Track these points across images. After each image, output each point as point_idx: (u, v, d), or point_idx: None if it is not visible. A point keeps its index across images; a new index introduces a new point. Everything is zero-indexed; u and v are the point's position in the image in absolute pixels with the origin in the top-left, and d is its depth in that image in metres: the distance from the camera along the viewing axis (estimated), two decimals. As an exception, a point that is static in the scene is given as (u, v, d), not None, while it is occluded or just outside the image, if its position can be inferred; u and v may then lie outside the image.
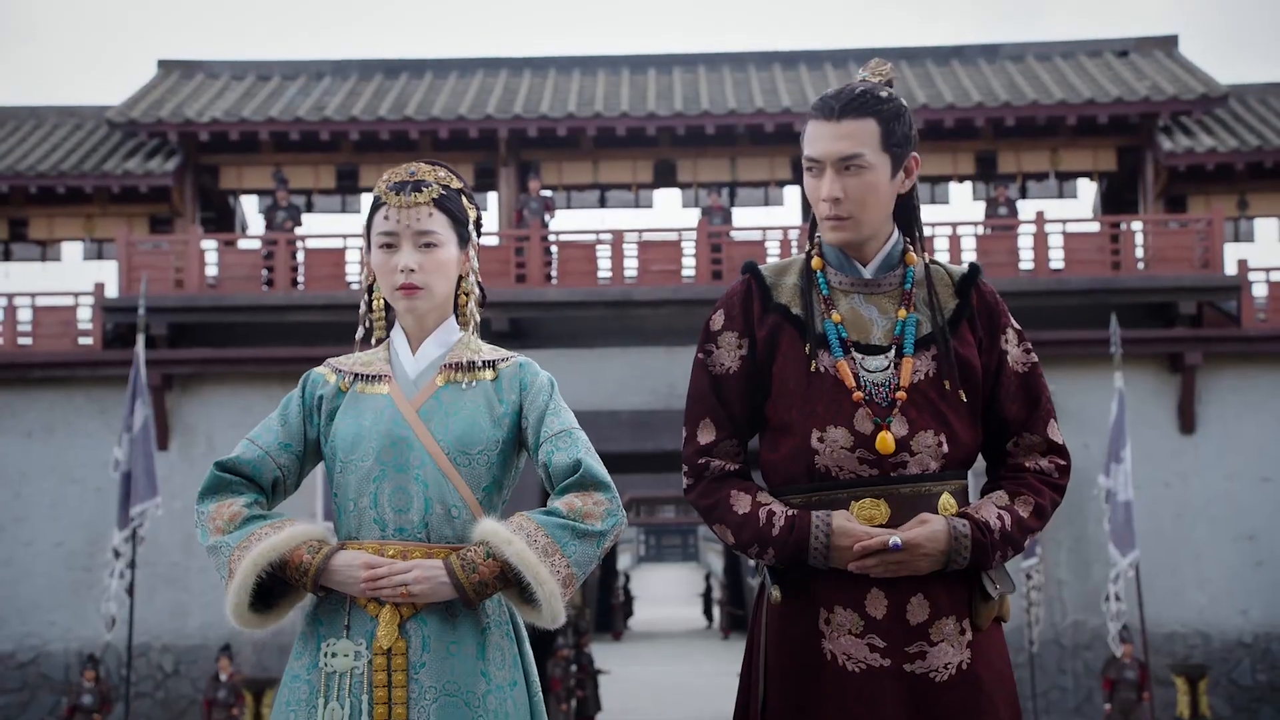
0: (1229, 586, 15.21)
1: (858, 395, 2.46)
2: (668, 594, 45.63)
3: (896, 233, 2.59)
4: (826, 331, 2.52)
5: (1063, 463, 2.57)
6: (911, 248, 2.62)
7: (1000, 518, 2.47)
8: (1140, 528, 12.05)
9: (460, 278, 2.60)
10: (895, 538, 2.39)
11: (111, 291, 15.58)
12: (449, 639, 2.43)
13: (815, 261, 2.59)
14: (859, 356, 2.51)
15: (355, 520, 2.47)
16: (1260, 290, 15.63)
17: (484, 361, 2.56)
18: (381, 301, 2.60)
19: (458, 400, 2.51)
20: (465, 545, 2.44)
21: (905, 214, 2.60)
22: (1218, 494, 15.34)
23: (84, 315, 15.81)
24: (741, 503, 2.48)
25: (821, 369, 2.50)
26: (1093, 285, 15.41)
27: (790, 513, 2.45)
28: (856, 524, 2.42)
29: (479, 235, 2.65)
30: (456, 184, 2.60)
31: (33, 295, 15.95)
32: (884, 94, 2.53)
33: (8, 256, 17.52)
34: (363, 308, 2.62)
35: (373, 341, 2.62)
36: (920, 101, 16.18)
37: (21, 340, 15.78)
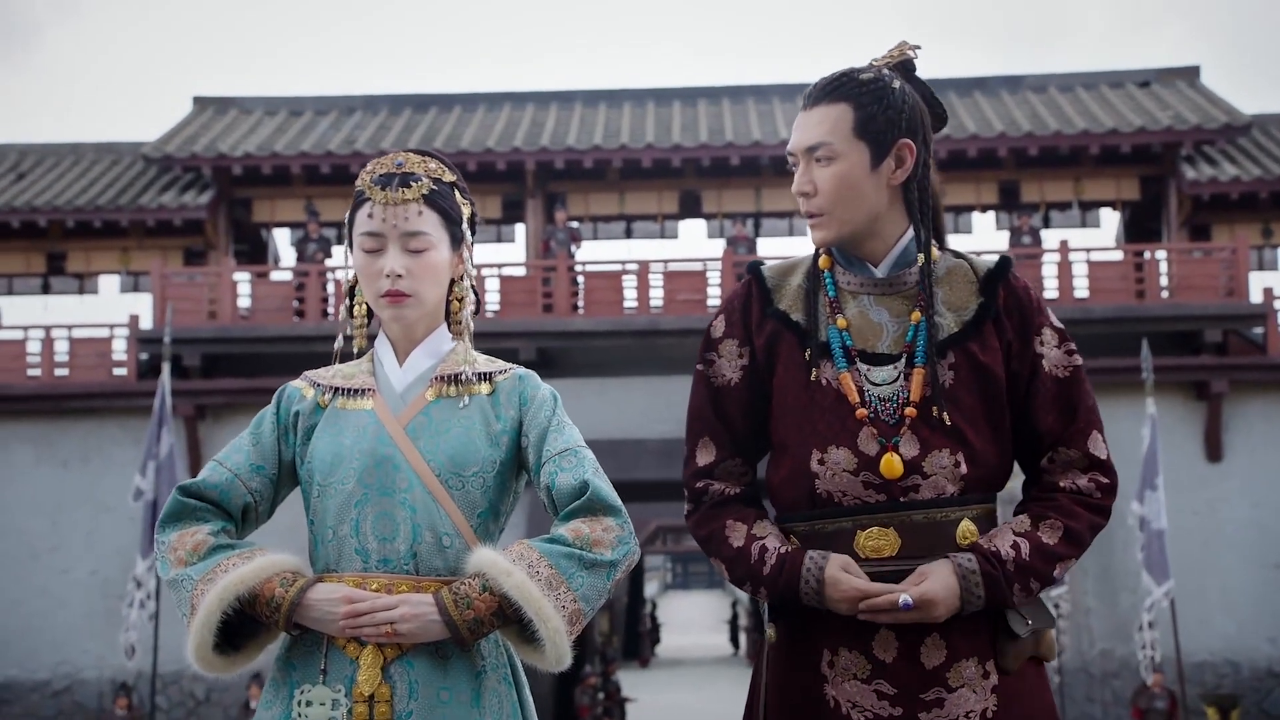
0: (1258, 615, 14.79)
1: (861, 413, 2.13)
2: (694, 621, 45.16)
3: (912, 228, 2.23)
4: (830, 339, 2.18)
5: (1105, 481, 2.19)
6: (933, 242, 2.25)
7: (1015, 546, 2.12)
8: (1169, 556, 11.65)
9: (453, 282, 2.26)
10: (906, 596, 2.04)
11: (146, 323, 15.47)
12: (439, 684, 2.07)
13: (823, 260, 2.26)
14: (864, 367, 2.17)
15: (334, 550, 2.13)
16: (1286, 318, 15.30)
17: (479, 374, 2.22)
18: (364, 308, 2.26)
19: (450, 416, 2.17)
20: (458, 578, 2.10)
21: (916, 207, 2.22)
22: (1245, 522, 14.95)
23: (119, 347, 15.71)
24: (736, 535, 2.17)
25: (824, 381, 2.17)
26: (1117, 313, 15.05)
27: (783, 550, 2.13)
28: (852, 576, 2.07)
29: (474, 234, 2.31)
30: (449, 176, 2.25)
31: (69, 327, 15.85)
32: (866, 75, 2.19)
33: (46, 290, 17.46)
34: (342, 313, 2.27)
35: (354, 352, 2.27)
36: (944, 132, 15.91)
37: (58, 371, 15.68)
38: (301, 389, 2.24)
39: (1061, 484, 2.18)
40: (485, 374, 2.22)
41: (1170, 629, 11.70)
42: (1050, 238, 16.47)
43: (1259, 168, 15.95)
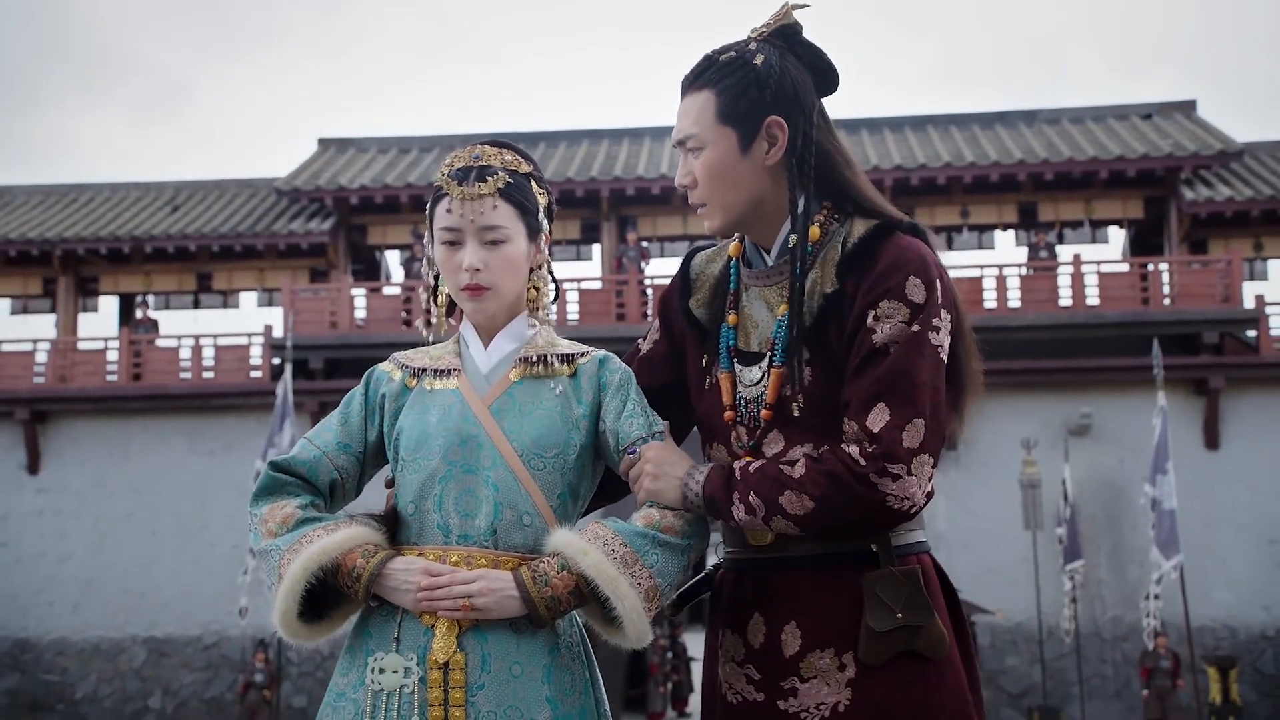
0: (1254, 586, 14.28)
1: (729, 415, 1.85)
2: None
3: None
4: (720, 338, 1.89)
5: (870, 449, 1.68)
6: (827, 218, 1.83)
7: (750, 463, 1.77)
8: (1175, 533, 11.27)
9: (532, 270, 1.98)
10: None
11: (278, 333, 15.54)
12: (512, 659, 1.79)
13: (733, 247, 1.93)
14: (739, 368, 1.86)
15: (416, 524, 1.86)
16: (1277, 321, 14.83)
17: (562, 356, 1.94)
18: (446, 296, 2.00)
19: (533, 398, 1.89)
20: (536, 556, 1.83)
21: (795, 185, 1.81)
22: (1242, 504, 14.46)
23: (256, 353, 15.81)
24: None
25: (716, 381, 1.89)
26: (1125, 319, 14.65)
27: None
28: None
29: (551, 222, 2.00)
30: (525, 167, 1.95)
31: (215, 336, 15.99)
32: (726, 57, 1.83)
33: (196, 304, 17.64)
34: (424, 298, 2.01)
35: (428, 336, 2.02)
36: (968, 159, 15.63)
37: (205, 374, 15.81)
38: (389, 371, 1.98)
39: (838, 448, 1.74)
40: (567, 356, 1.95)
41: (1174, 598, 11.33)
42: (1064, 252, 16.10)
43: (1250, 189, 15.49)
